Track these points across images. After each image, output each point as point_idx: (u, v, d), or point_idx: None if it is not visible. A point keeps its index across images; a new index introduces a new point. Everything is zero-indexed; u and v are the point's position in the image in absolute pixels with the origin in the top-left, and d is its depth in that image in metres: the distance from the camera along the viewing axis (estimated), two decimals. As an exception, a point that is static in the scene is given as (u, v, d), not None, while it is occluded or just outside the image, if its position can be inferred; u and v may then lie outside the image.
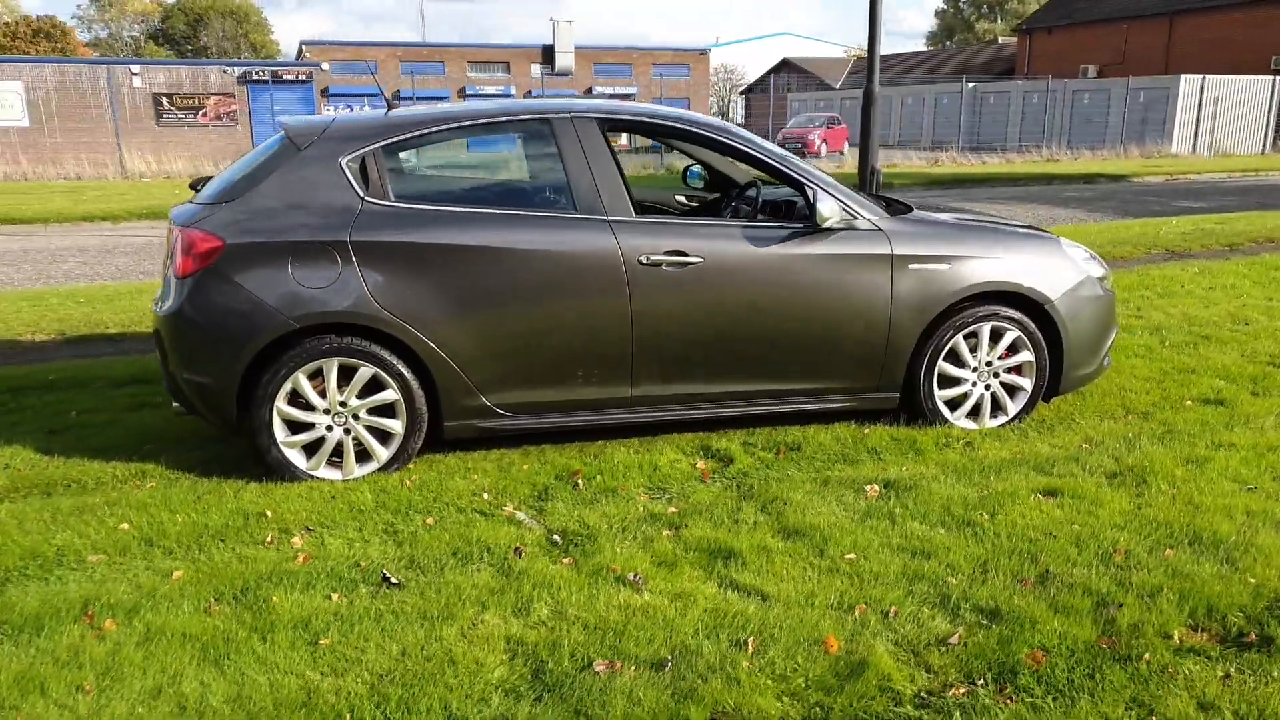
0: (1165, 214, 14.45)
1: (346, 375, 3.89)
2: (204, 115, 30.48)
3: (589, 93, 47.77)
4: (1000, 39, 62.13)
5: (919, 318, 4.40)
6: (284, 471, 3.91)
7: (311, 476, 3.94)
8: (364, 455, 4.02)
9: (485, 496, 3.78)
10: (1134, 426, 4.65)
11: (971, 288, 4.42)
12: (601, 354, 4.10)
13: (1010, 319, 4.52)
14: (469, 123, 4.13)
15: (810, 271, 4.24)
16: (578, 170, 4.08)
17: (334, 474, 3.98)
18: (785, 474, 4.05)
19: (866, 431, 4.53)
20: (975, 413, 4.68)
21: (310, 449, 3.96)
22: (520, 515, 3.56)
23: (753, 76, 73.44)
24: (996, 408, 4.71)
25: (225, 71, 31.07)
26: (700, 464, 4.17)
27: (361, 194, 3.91)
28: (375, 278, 3.83)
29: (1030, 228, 4.87)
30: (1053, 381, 4.70)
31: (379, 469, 4.02)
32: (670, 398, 4.28)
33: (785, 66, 65.61)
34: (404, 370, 3.92)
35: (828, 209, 4.15)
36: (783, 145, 33.04)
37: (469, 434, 4.10)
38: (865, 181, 10.17)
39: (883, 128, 41.28)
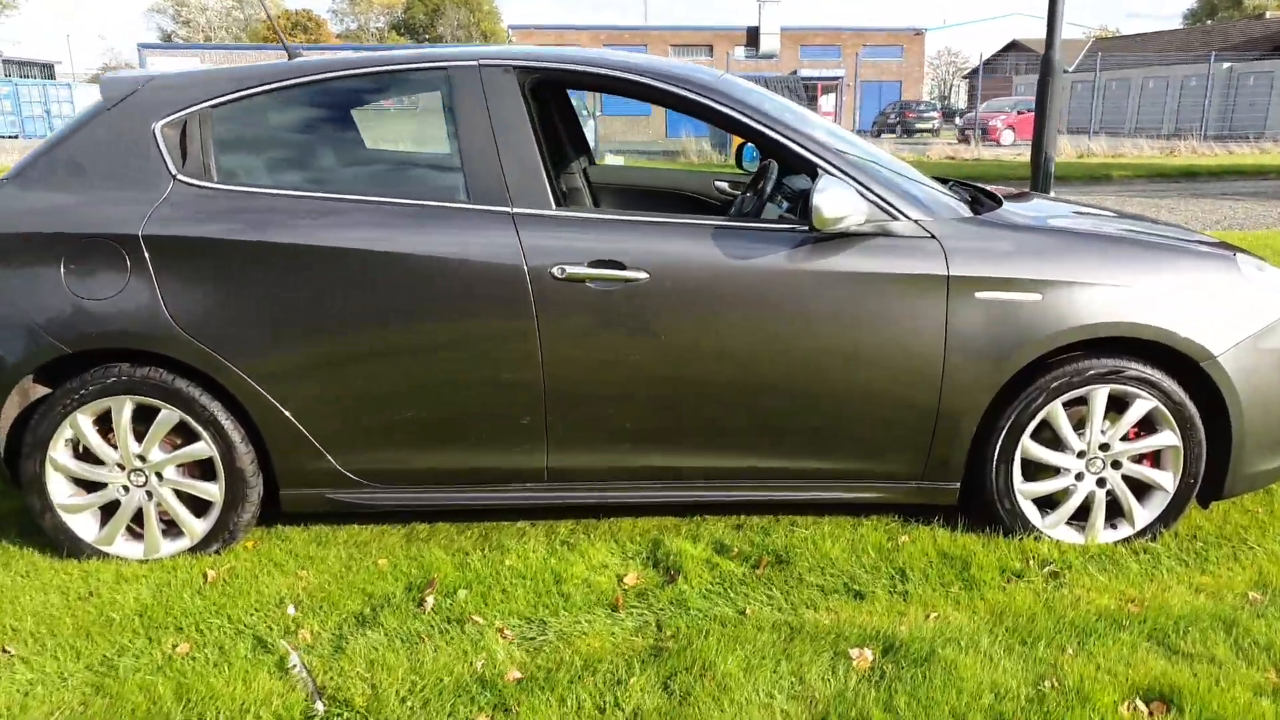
0: None
1: (147, 418, 2.89)
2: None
3: (793, 75, 45.90)
4: (1269, 14, 54.75)
5: (991, 373, 2.90)
6: (66, 543, 2.96)
7: (100, 552, 2.96)
8: (175, 528, 3.01)
9: (291, 611, 2.67)
10: (1347, 563, 2.94)
11: (1079, 331, 2.88)
12: (499, 408, 2.90)
13: (1143, 380, 2.94)
14: (335, 75, 2.99)
15: (816, 297, 2.85)
16: (476, 141, 2.87)
17: (134, 549, 2.99)
18: (742, 609, 2.69)
19: (903, 540, 3.08)
20: (1082, 516, 3.12)
21: (108, 514, 2.99)
22: (293, 658, 2.42)
23: (979, 60, 68.40)
24: (1116, 512, 3.13)
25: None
26: (631, 577, 2.87)
27: (174, 170, 2.87)
28: (175, 287, 2.79)
29: (1200, 240, 3.22)
30: (1214, 477, 3.06)
31: (193, 547, 2.99)
32: (605, 473, 3.01)
33: (1014, 48, 60.73)
34: (220, 416, 2.87)
35: (832, 202, 2.73)
36: (963, 132, 30.04)
37: (319, 507, 3.00)
38: (1037, 171, 8.30)
39: (1116, 114, 37.15)
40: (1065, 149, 23.41)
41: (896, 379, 2.92)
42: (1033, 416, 2.98)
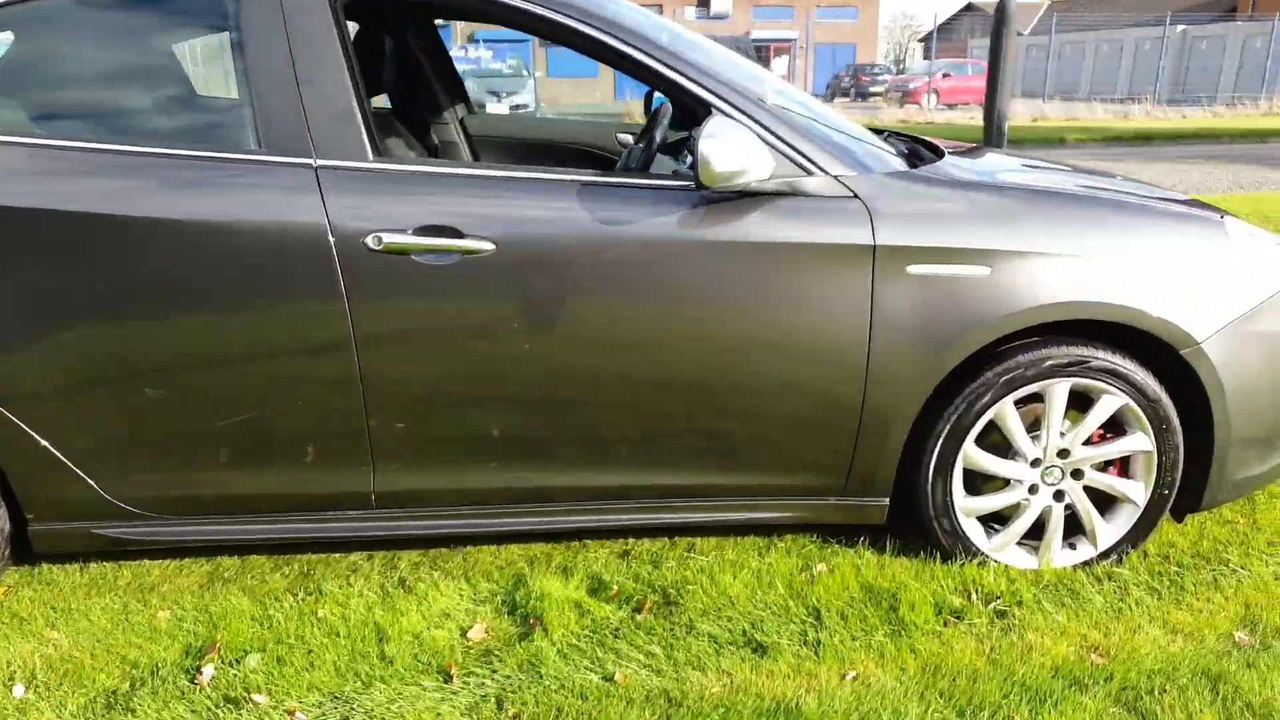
0: None
1: None
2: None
3: (745, 36, 45.04)
4: (1221, -23, 54.71)
5: (927, 365, 2.34)
6: None
7: None
8: (-104, 573, 2.37)
9: (19, 692, 2.05)
10: (1350, 590, 2.44)
11: (1036, 313, 2.33)
12: (305, 417, 2.28)
13: (1111, 372, 2.40)
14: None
15: (709, 273, 2.26)
16: (268, 71, 2.23)
17: None
18: (610, 675, 2.11)
19: (819, 570, 2.52)
20: (1035, 535, 2.59)
21: None
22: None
23: (934, 22, 67.77)
24: (1076, 529, 2.60)
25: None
26: (479, 629, 2.28)
27: None
28: None
29: (1176, 200, 2.67)
30: (1191, 484, 2.54)
31: (-80, 598, 2.36)
32: (450, 496, 2.42)
33: (970, 10, 60.26)
34: (-59, 435, 2.22)
35: (724, 151, 2.13)
36: (888, 94, 29.38)
37: (85, 545, 2.37)
38: (990, 131, 7.77)
39: (1071, 78, 36.87)
40: (1019, 113, 23.02)
41: (810, 374, 2.34)
42: (977, 418, 2.42)
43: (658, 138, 2.66)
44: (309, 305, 2.19)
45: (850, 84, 35.28)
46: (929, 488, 2.49)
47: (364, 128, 2.23)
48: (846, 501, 2.52)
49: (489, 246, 2.20)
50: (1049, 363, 2.38)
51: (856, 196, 2.31)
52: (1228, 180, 11.18)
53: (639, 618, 2.31)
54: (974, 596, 2.40)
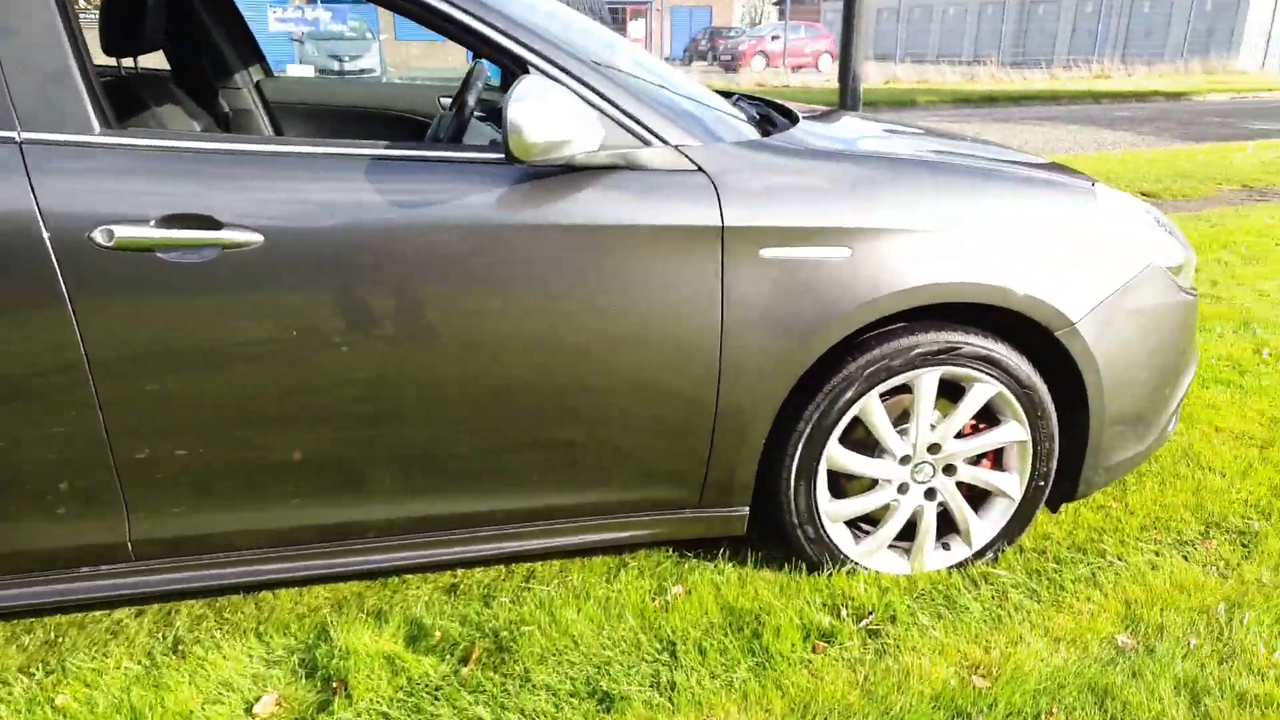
0: (1237, 138, 11.67)
1: None
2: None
3: None
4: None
5: (786, 360, 2.06)
6: None
7: None
8: None
9: None
10: (1233, 576, 2.30)
11: (905, 296, 2.07)
12: (33, 452, 1.82)
13: (983, 358, 2.17)
14: None
15: (533, 263, 1.91)
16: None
17: None
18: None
19: (675, 593, 2.23)
20: (907, 536, 2.37)
21: None
22: None
23: (786, -13, 68.41)
24: (949, 527, 2.39)
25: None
26: (268, 702, 1.88)
27: None
28: None
29: (1042, 166, 2.46)
30: (1067, 472, 2.36)
31: None
32: (227, 541, 2.00)
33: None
34: None
35: (539, 117, 1.77)
36: (712, 58, 29.56)
37: None
38: (845, 93, 7.64)
39: (921, 40, 37.84)
40: (872, 75, 23.36)
41: (657, 374, 2.03)
42: (841, 415, 2.16)
43: (470, 101, 2.28)
44: (22, 316, 1.73)
45: (708, 47, 35.18)
46: (791, 493, 2.23)
47: (86, 91, 1.77)
48: (704, 514, 2.23)
49: (256, 238, 1.78)
50: (916, 351, 2.14)
51: (701, 170, 2.00)
52: (1069, 140, 11.50)
53: (464, 671, 1.96)
54: (844, 613, 2.16)
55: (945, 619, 2.15)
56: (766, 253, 2.01)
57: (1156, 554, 2.42)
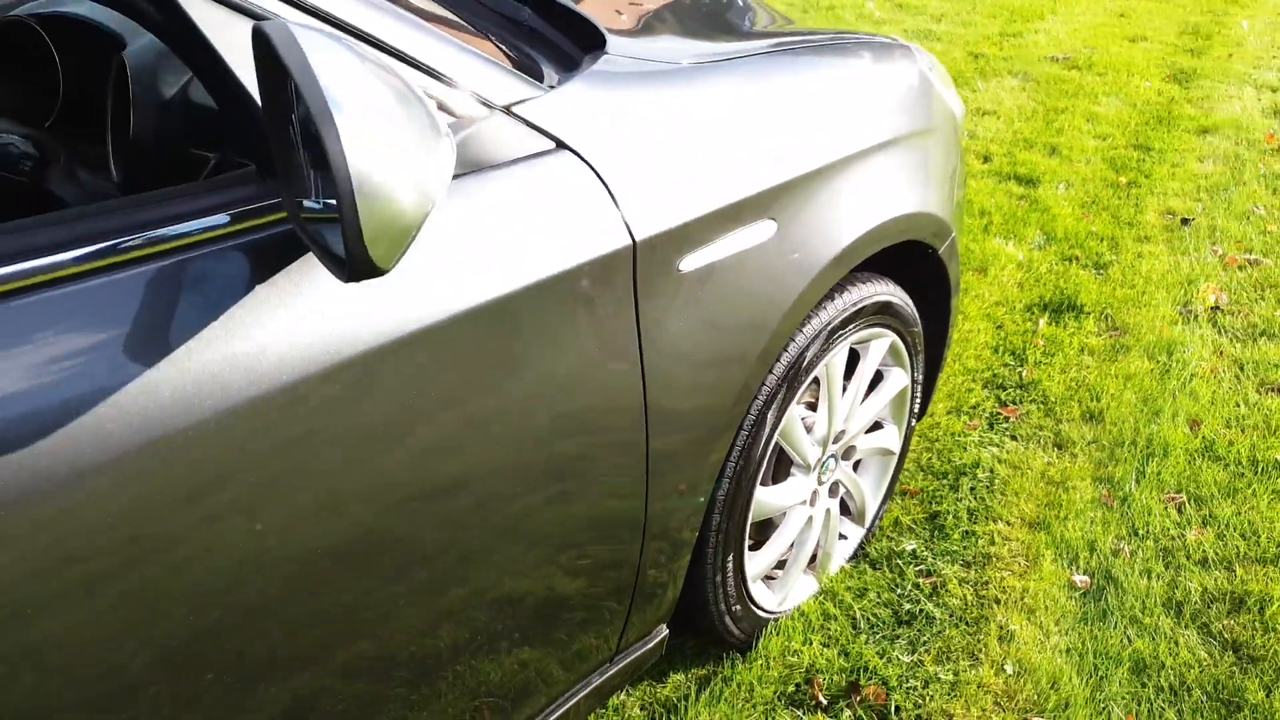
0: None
1: None
2: None
3: None
4: None
5: (723, 411, 1.30)
6: None
7: None
8: None
9: None
10: (1049, 435, 2.15)
11: (842, 260, 1.42)
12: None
13: (881, 308, 1.62)
14: None
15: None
16: None
17: None
18: None
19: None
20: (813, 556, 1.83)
21: None
22: None
23: None
24: (844, 512, 1.89)
25: None
26: None
27: None
28: None
29: (892, 44, 1.82)
30: (925, 393, 1.98)
31: None
32: None
33: None
34: None
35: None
36: None
37: None
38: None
39: None
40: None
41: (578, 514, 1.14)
42: (765, 451, 1.48)
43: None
44: None
45: None
46: (719, 576, 1.52)
47: None
48: (627, 659, 1.43)
49: None
50: (828, 329, 1.51)
51: (562, 145, 1.07)
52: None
53: None
54: (824, 697, 1.57)
55: (919, 646, 1.69)
56: (687, 265, 1.18)
57: (997, 445, 2.19)
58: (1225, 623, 1.72)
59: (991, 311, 2.70)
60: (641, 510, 1.26)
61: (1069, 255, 3.01)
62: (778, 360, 1.42)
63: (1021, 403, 2.33)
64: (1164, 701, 1.57)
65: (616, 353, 1.12)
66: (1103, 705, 1.57)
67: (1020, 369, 2.45)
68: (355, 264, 0.71)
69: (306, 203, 0.79)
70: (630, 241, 1.09)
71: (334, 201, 0.71)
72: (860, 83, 1.54)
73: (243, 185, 0.85)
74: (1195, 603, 1.76)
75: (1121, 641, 1.68)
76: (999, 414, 2.30)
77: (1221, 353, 2.53)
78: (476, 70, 1.02)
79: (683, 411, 1.24)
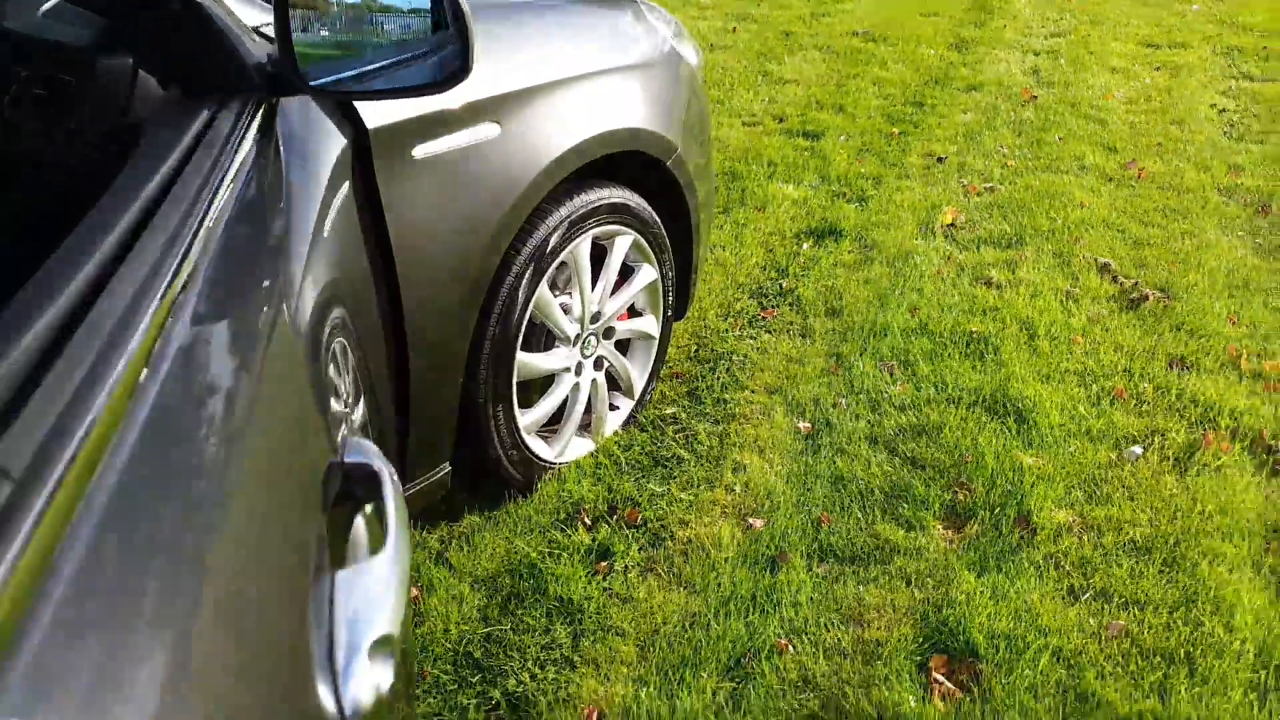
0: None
1: None
2: None
3: None
4: None
5: (466, 282, 1.69)
6: None
7: None
8: None
9: None
10: (797, 328, 2.61)
11: (561, 163, 1.81)
12: None
13: (618, 209, 2.03)
14: None
15: None
16: None
17: None
18: None
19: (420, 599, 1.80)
20: (585, 420, 2.22)
21: None
22: None
23: None
24: (612, 387, 2.29)
25: None
26: None
27: None
28: None
29: None
30: (681, 292, 2.40)
31: None
32: None
33: None
34: None
35: None
36: None
37: None
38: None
39: None
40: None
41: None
42: (521, 319, 1.87)
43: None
44: None
45: None
46: (493, 423, 1.90)
47: None
48: (411, 491, 1.79)
49: None
50: (569, 221, 1.90)
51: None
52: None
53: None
54: (588, 520, 1.97)
55: (670, 479, 2.10)
56: (421, 150, 1.56)
57: (753, 338, 2.63)
58: (909, 445, 2.19)
59: (766, 240, 3.16)
60: (406, 360, 1.62)
61: (839, 193, 3.50)
62: (523, 244, 1.81)
63: (779, 306, 2.79)
64: (852, 500, 2.02)
65: (363, 225, 1.48)
66: (805, 506, 2.00)
67: (782, 281, 2.91)
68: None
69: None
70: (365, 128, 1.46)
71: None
72: (576, 23, 1.94)
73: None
74: (889, 434, 2.23)
75: (828, 465, 2.13)
76: (759, 316, 2.74)
77: (950, 259, 3.04)
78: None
79: (429, 279, 1.61)
